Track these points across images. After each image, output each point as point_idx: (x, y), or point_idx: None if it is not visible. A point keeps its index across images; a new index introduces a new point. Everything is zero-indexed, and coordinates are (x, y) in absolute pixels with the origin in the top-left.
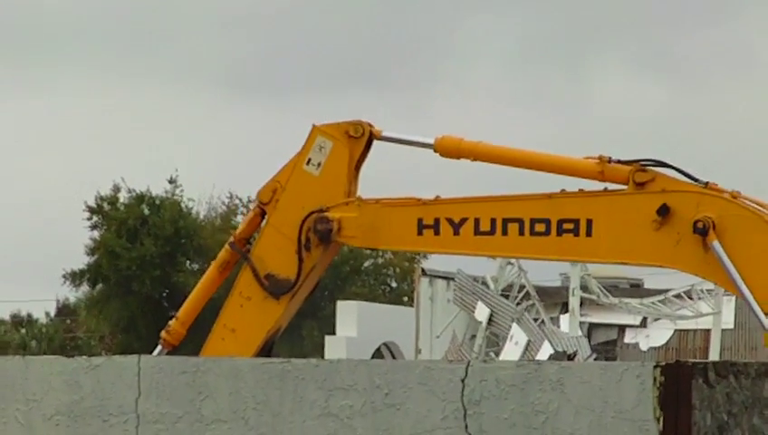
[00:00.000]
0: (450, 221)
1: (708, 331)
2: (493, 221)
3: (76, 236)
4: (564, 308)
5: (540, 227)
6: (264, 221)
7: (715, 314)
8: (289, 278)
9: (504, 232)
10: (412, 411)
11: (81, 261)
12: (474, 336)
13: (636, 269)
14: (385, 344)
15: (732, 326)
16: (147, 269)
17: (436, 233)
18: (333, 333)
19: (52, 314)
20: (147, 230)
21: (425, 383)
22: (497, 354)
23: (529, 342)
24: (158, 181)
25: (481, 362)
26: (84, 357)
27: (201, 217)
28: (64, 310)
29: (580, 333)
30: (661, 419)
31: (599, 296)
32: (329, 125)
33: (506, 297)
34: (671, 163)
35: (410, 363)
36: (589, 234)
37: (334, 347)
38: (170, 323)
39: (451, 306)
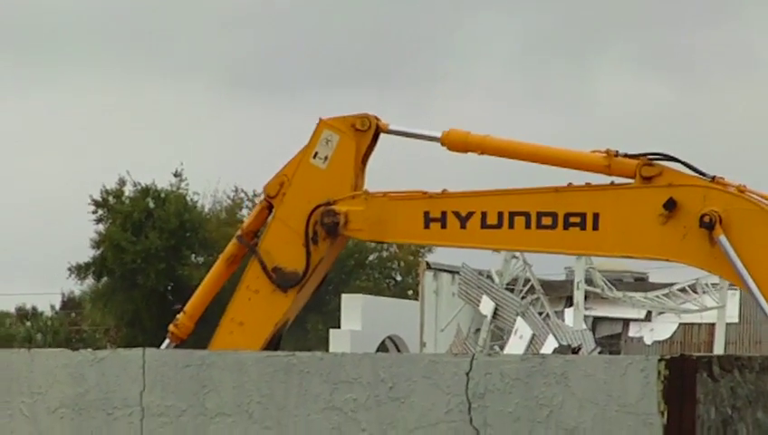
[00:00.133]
0: (457, 214)
1: (713, 325)
2: (500, 214)
3: (81, 229)
4: (569, 302)
5: (546, 221)
6: (272, 215)
7: (719, 308)
8: (296, 271)
9: (511, 225)
10: (416, 405)
11: (86, 254)
12: (478, 330)
13: (640, 263)
14: (389, 338)
15: (736, 320)
16: (152, 262)
17: (443, 226)
18: (338, 326)
19: (58, 307)
20: (152, 224)
21: (429, 377)
22: (502, 348)
23: (533, 335)
24: (164, 175)
25: (485, 356)
26: (89, 350)
27: (206, 210)
28: (69, 303)
29: (584, 326)
30: (665, 412)
31: (603, 290)
32: (335, 118)
33: (511, 291)
34: (678, 157)
35: (415, 357)
36: (595, 227)
37: (339, 341)
38: (178, 316)
39: (456, 300)
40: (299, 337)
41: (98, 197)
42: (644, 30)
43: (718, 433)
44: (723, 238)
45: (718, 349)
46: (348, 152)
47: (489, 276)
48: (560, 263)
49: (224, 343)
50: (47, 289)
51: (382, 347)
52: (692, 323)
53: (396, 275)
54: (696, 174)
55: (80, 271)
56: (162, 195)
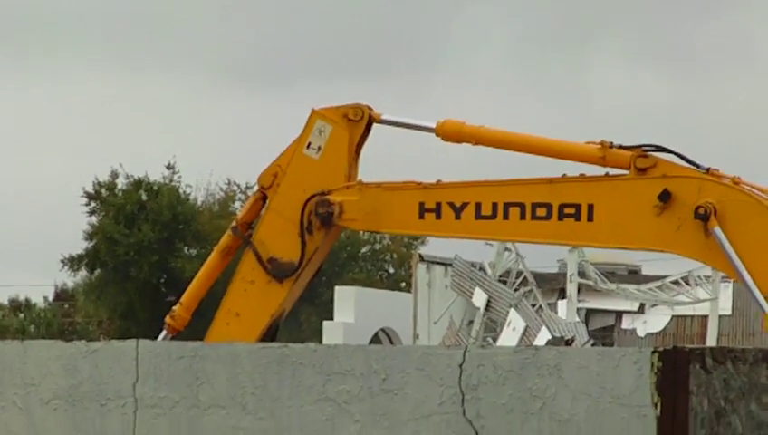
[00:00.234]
0: (452, 205)
1: (706, 317)
2: (494, 205)
3: (74, 221)
4: (562, 294)
5: (541, 212)
6: (266, 205)
7: (712, 301)
8: (292, 261)
9: (506, 216)
10: (410, 397)
11: (79, 246)
12: (471, 322)
13: (633, 255)
14: (383, 330)
15: (729, 312)
16: (145, 255)
17: (438, 217)
18: (331, 318)
19: (51, 298)
20: (145, 216)
21: (422, 369)
22: (495, 340)
23: (526, 327)
24: (157, 167)
25: (478, 348)
26: (82, 342)
27: (199, 202)
28: (62, 295)
29: (577, 318)
30: (659, 404)
31: (596, 282)
32: (328, 109)
33: (504, 283)
34: (672, 149)
35: (408, 349)
36: (590, 218)
37: (332, 332)
38: (174, 308)
39: (449, 292)
40: (292, 329)
41: (91, 189)
42: (642, 22)
43: (711, 425)
44: (717, 230)
45: (711, 341)
46: (341, 142)
47: (482, 269)
48: (553, 255)
49: (220, 334)
50: (40, 281)
51: (375, 339)
52: (685, 316)
53: (389, 268)
54: (691, 165)
55: (73, 263)
56: (155, 187)
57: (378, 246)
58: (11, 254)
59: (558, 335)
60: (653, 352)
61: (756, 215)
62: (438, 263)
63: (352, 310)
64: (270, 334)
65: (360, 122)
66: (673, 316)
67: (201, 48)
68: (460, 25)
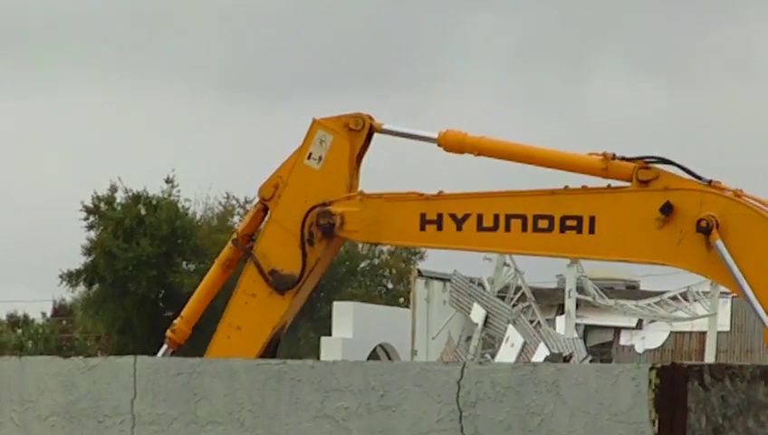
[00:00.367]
0: (453, 217)
1: (704, 333)
2: (496, 217)
3: (73, 236)
4: (560, 310)
5: (543, 224)
6: (267, 217)
7: (710, 316)
8: (293, 273)
9: (507, 228)
10: (408, 413)
11: (77, 261)
12: (469, 338)
13: (631, 271)
14: (381, 346)
15: (728, 329)
16: (143, 269)
17: (439, 228)
18: (329, 334)
19: (49, 314)
20: (143, 230)
21: (420, 385)
22: (493, 356)
23: (525, 343)
24: (155, 181)
25: (477, 364)
26: (80, 358)
27: (198, 217)
28: (61, 310)
29: (575, 334)
30: (656, 421)
31: (594, 298)
32: (329, 119)
33: (502, 299)
34: (675, 160)
35: (406, 365)
36: (592, 231)
37: (330, 348)
38: (175, 322)
39: (447, 308)
40: (290, 345)
41: (89, 203)
42: (641, 34)
43: None
44: (719, 243)
45: (709, 357)
46: (342, 152)
47: (480, 284)
48: (551, 271)
49: (221, 347)
50: (38, 296)
51: (373, 355)
52: (683, 332)
53: (387, 283)
54: (693, 178)
55: (71, 278)
56: (154, 202)
57: (376, 262)
58: (9, 269)
59: (556, 351)
60: (651, 369)
61: (758, 228)
62: (437, 278)
63: (350, 325)
64: (271, 348)
65: (361, 132)
66: (671, 332)
67: (200, 62)
68: (459, 38)
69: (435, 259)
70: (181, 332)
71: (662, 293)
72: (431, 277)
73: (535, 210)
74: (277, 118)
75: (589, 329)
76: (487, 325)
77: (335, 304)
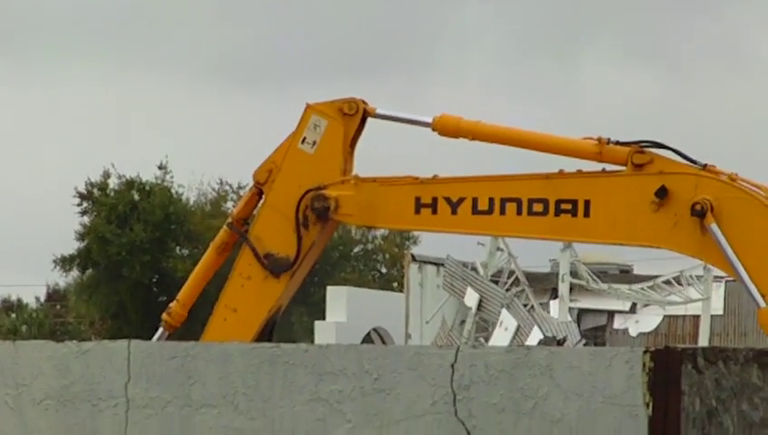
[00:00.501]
0: (448, 200)
1: (698, 317)
2: (491, 200)
3: (66, 221)
4: (554, 294)
5: (538, 207)
6: (261, 201)
7: (704, 300)
8: (288, 257)
9: (502, 211)
10: (402, 396)
11: (71, 246)
12: (463, 322)
13: (625, 255)
14: (375, 330)
15: (721, 312)
16: (136, 255)
17: (434, 212)
18: (323, 318)
19: (42, 299)
20: (137, 216)
21: (414, 368)
22: (487, 340)
23: (518, 327)
24: (149, 167)
25: (470, 348)
26: (74, 342)
27: (191, 202)
28: (54, 295)
29: (569, 318)
30: (650, 404)
31: (588, 282)
32: (323, 103)
33: (496, 283)
34: (669, 145)
35: (400, 349)
36: (587, 214)
37: (324, 332)
38: (171, 305)
39: (441, 292)
40: (284, 329)
41: (83, 189)
42: (633, 20)
43: (703, 425)
44: (714, 226)
45: (703, 341)
46: (336, 137)
47: (474, 268)
48: (545, 254)
49: (217, 329)
50: (32, 281)
51: (367, 339)
52: (677, 316)
53: (381, 267)
54: (688, 162)
55: (65, 263)
56: (147, 187)
57: (370, 246)
58: (3, 254)
59: (550, 335)
60: (645, 352)
61: (753, 212)
62: (430, 263)
63: (344, 310)
64: (267, 330)
65: (354, 116)
66: (665, 316)
67: (194, 49)
68: (453, 25)
69: (428, 244)
70: (177, 315)
71: (655, 277)
72: (425, 262)
73: (530, 194)
74: (271, 105)
75: (582, 313)
76: (481, 309)
77: (329, 288)
